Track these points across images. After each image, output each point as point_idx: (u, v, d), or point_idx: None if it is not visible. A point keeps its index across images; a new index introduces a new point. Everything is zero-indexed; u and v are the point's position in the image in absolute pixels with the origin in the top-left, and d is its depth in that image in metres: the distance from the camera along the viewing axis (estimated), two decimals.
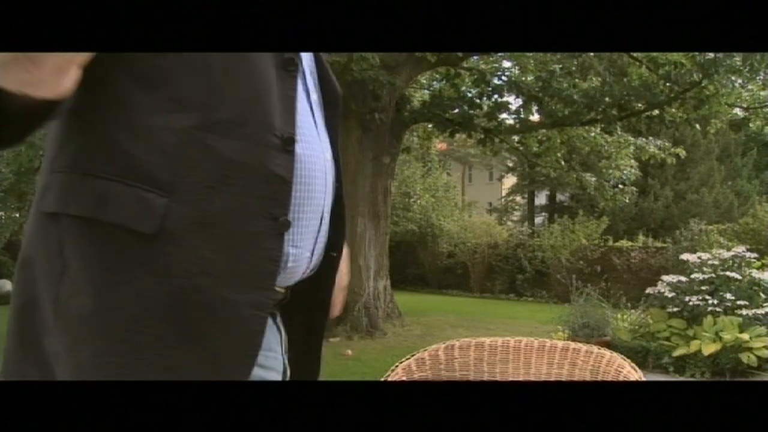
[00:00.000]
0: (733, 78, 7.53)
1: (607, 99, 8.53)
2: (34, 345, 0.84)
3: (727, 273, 6.29)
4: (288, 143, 0.88)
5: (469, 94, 9.63)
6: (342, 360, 6.60)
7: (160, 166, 0.81)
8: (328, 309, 1.10)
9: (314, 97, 1.01)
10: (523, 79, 9.33)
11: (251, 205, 0.85)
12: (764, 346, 5.54)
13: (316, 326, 1.10)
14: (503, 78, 9.73)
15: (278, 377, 1.01)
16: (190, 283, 0.81)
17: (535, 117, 10.11)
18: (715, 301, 6.07)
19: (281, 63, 0.90)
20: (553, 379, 1.53)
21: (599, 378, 1.47)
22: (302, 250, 0.94)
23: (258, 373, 0.92)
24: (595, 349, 1.51)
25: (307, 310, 1.07)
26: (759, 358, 5.49)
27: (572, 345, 1.55)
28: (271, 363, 0.99)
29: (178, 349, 0.81)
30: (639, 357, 6.08)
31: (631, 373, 1.38)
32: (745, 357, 5.49)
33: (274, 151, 0.86)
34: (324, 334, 1.13)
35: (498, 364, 1.56)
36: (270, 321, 0.95)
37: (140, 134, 0.82)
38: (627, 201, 11.03)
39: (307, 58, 1.01)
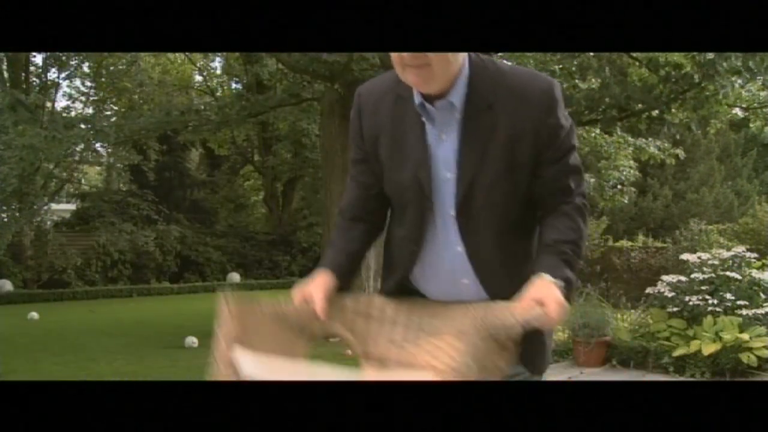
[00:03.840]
0: (733, 79, 7.51)
1: (607, 100, 8.51)
2: None
3: (727, 273, 6.29)
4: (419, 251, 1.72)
5: None
6: (342, 360, 6.59)
7: (392, 252, 1.79)
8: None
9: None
10: None
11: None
12: (764, 346, 5.54)
13: None
14: None
15: None
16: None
17: None
18: (715, 301, 6.07)
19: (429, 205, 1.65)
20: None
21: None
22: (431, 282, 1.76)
23: None
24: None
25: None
26: (759, 358, 5.49)
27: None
28: None
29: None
30: (639, 357, 6.08)
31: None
32: (745, 357, 5.49)
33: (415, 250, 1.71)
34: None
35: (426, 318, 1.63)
36: None
37: (389, 239, 1.79)
38: (626, 201, 11.01)
39: None
